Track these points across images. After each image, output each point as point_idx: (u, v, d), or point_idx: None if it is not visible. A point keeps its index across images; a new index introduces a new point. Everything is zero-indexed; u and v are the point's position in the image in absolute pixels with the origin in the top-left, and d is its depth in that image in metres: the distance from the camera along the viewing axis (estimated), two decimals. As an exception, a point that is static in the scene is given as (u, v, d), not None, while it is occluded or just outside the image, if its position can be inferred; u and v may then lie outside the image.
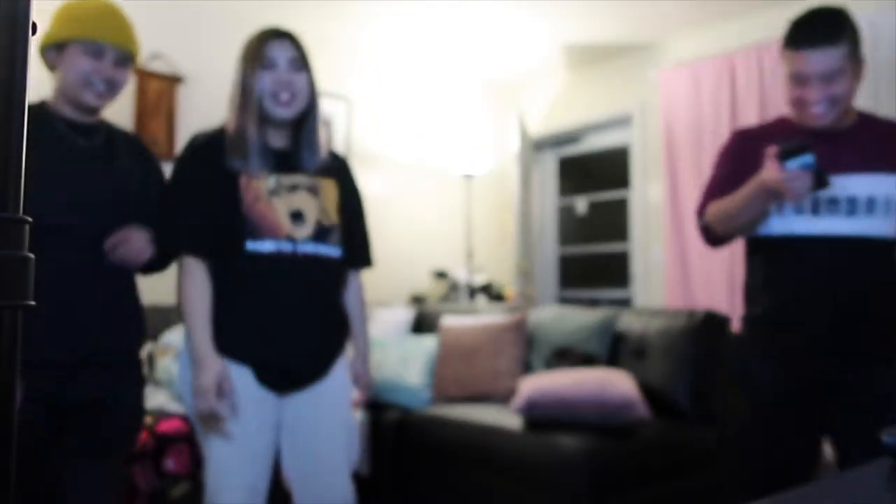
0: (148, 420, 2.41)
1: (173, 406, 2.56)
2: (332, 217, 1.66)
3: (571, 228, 4.99)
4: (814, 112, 1.56)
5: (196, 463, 2.34)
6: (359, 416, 2.91)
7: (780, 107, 3.54)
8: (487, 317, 3.32)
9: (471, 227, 4.43)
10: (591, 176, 4.92)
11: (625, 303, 4.42)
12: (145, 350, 2.87)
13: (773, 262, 1.66)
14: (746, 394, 1.70)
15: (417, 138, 4.51)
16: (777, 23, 3.76)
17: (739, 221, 1.61)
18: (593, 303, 4.67)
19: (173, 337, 2.87)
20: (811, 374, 1.61)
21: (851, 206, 1.55)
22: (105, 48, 1.48)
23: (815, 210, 1.57)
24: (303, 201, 1.61)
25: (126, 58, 1.53)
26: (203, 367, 1.51)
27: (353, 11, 3.78)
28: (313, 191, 1.64)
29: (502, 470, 2.48)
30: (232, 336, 1.56)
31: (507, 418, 2.56)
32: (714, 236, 1.71)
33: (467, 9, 3.77)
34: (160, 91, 3.46)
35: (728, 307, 3.52)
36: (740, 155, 1.69)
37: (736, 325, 1.91)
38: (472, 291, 4.28)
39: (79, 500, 1.46)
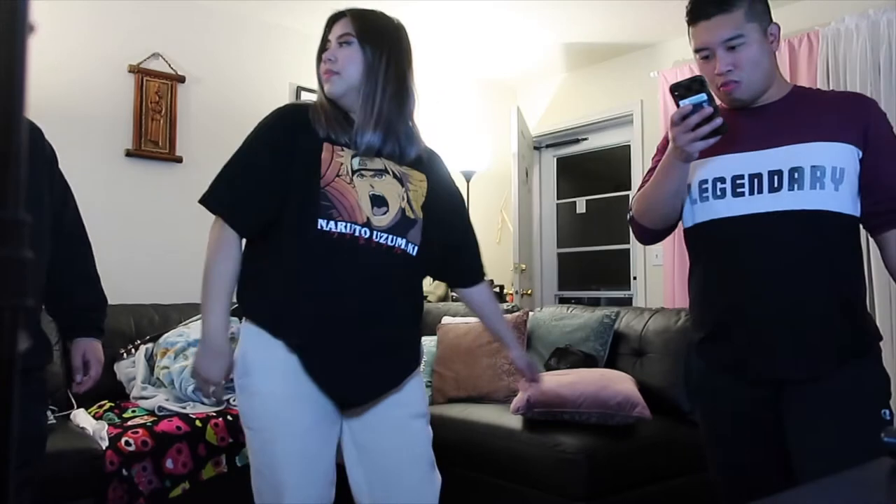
0: (148, 420, 2.41)
1: (173, 406, 2.56)
2: (417, 211, 1.53)
3: (571, 228, 4.99)
4: (724, 85, 1.46)
5: (196, 462, 2.34)
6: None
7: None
8: (487, 317, 3.32)
9: (471, 226, 4.43)
10: (590, 176, 4.92)
11: (625, 302, 4.42)
12: (146, 350, 2.87)
13: (703, 252, 1.55)
14: (702, 412, 1.61)
15: (417, 138, 4.50)
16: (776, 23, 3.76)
17: (656, 198, 1.51)
18: (593, 302, 4.67)
19: (173, 337, 2.87)
20: (761, 380, 1.46)
21: (779, 180, 1.42)
22: None
23: (737, 191, 1.45)
24: (386, 187, 1.49)
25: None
26: (218, 356, 1.41)
27: (352, 11, 3.78)
28: (401, 179, 1.52)
29: (502, 470, 2.47)
30: (295, 339, 1.42)
31: (507, 418, 2.56)
32: (638, 228, 1.62)
33: (467, 8, 3.77)
34: (160, 91, 3.46)
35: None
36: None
37: None
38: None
39: None
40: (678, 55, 4.09)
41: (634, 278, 4.40)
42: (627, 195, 4.51)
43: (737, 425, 1.51)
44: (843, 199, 1.41)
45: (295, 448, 1.41)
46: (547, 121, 4.93)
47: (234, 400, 2.63)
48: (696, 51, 1.49)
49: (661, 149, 1.66)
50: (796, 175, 1.40)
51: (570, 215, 4.99)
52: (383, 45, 1.52)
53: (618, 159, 4.63)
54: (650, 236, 1.62)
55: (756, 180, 1.43)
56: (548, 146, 5.06)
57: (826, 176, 1.39)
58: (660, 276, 4.13)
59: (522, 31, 4.08)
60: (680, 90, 1.36)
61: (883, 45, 3.20)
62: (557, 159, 5.06)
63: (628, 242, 4.51)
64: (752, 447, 1.50)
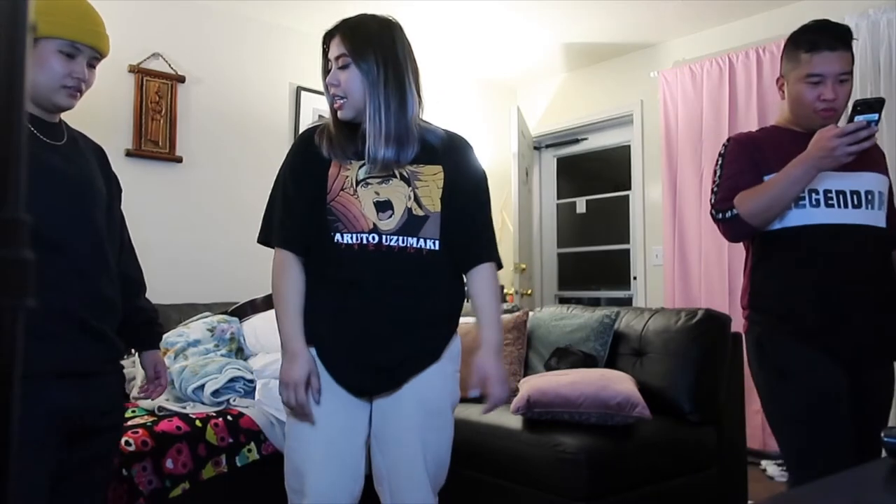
0: (148, 420, 2.41)
1: (173, 406, 2.56)
2: (430, 206, 1.55)
3: (571, 228, 4.99)
4: (826, 111, 1.69)
5: (196, 463, 2.34)
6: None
7: (778, 107, 3.54)
8: (487, 317, 3.32)
9: (471, 226, 4.43)
10: (590, 176, 4.92)
11: (625, 302, 4.42)
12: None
13: (788, 252, 1.74)
14: (796, 391, 1.71)
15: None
16: (776, 23, 3.76)
17: (782, 200, 1.66)
18: (593, 302, 4.67)
19: (173, 337, 2.87)
20: (851, 364, 1.69)
21: (858, 199, 1.70)
22: (81, 49, 1.42)
23: (828, 203, 1.69)
24: (392, 191, 1.53)
25: (97, 58, 1.49)
26: (293, 359, 1.50)
27: (353, 11, 3.77)
28: (408, 179, 1.55)
29: (502, 470, 2.47)
30: (315, 333, 1.54)
31: (507, 418, 2.55)
32: (741, 227, 1.73)
33: (467, 8, 3.77)
34: (160, 91, 3.46)
35: (727, 307, 3.51)
36: (749, 152, 1.78)
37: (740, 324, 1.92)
38: (472, 291, 4.27)
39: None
40: (678, 55, 4.09)
41: (634, 278, 4.40)
42: (627, 195, 4.52)
43: (835, 401, 1.68)
44: (890, 219, 1.77)
45: (317, 432, 1.51)
46: (547, 121, 4.93)
47: (234, 400, 2.63)
48: (809, 75, 1.69)
49: (739, 152, 1.79)
50: (870, 197, 1.70)
51: (570, 215, 4.99)
52: (378, 56, 1.54)
53: (618, 159, 4.63)
54: (747, 233, 1.77)
55: (841, 196, 1.70)
56: (548, 146, 5.06)
57: (884, 200, 1.74)
58: (660, 276, 4.13)
59: (522, 31, 4.08)
60: (863, 106, 1.54)
61: (883, 45, 3.20)
62: (557, 159, 5.07)
63: (628, 242, 4.52)
64: (846, 422, 1.68)
